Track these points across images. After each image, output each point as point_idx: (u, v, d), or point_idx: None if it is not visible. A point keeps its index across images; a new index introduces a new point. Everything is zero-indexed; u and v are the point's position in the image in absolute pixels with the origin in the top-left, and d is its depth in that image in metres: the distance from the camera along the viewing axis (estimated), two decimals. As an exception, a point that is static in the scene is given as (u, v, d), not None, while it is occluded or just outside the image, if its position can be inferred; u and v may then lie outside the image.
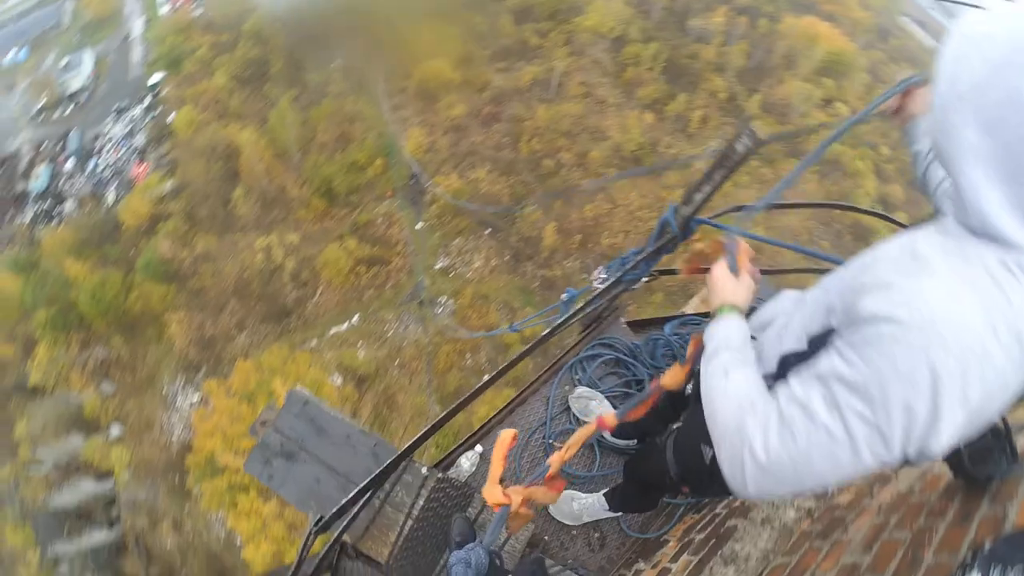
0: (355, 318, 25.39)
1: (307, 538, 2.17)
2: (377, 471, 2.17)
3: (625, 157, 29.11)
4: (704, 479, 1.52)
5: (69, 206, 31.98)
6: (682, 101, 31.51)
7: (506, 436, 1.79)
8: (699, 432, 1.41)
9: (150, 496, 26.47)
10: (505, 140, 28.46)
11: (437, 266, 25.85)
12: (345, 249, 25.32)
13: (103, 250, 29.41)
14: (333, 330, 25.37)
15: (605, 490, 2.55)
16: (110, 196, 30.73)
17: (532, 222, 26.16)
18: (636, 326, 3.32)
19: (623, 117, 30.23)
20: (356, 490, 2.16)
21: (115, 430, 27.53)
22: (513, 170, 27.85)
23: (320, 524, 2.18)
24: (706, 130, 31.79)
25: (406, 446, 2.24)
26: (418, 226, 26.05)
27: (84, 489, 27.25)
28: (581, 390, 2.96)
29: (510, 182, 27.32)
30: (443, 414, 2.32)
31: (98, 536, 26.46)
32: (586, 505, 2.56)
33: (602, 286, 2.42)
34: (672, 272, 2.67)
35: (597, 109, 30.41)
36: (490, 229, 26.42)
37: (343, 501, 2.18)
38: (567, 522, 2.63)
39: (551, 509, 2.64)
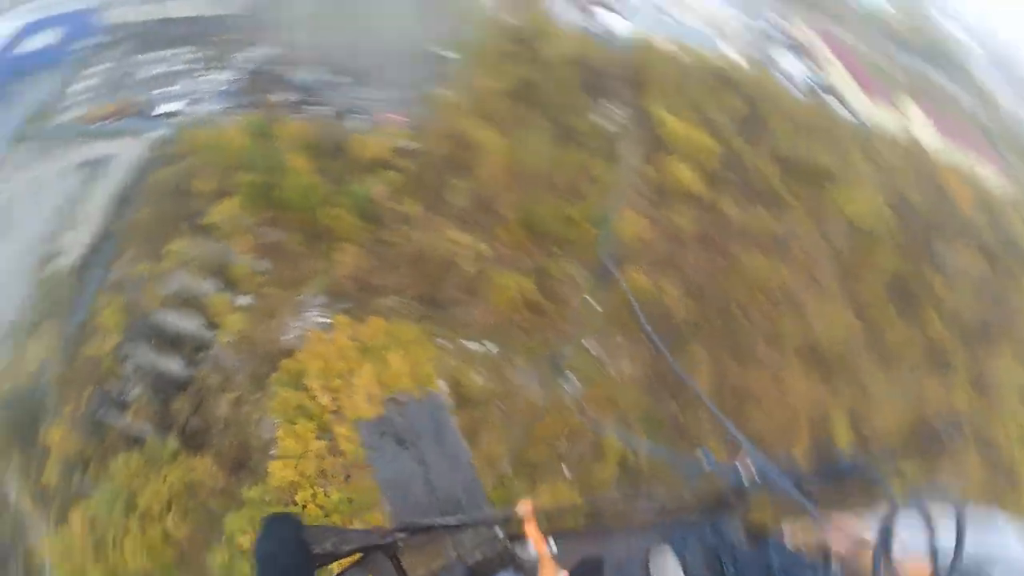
0: (491, 346, 25.85)
1: (392, 532, 2.27)
2: (473, 520, 2.32)
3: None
4: None
5: (321, 110, 35.76)
6: (892, 323, 29.80)
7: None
8: None
9: (233, 367, 27.71)
10: (710, 270, 28.15)
11: (587, 346, 25.81)
12: (519, 283, 25.99)
13: (326, 162, 31.98)
14: (467, 343, 25.99)
15: None
16: (358, 123, 33.94)
17: (694, 359, 25.45)
18: (755, 531, 2.93)
19: (831, 309, 28.95)
20: (442, 523, 2.14)
21: (244, 300, 29.26)
22: (701, 299, 27.41)
23: (403, 529, 2.31)
24: (902, 366, 29.52)
25: (503, 518, 2.27)
26: (591, 300, 26.27)
27: (187, 324, 29.03)
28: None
29: (695, 309, 26.89)
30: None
31: (172, 365, 28.03)
32: None
33: (744, 477, 2.39)
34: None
35: (810, 288, 29.29)
36: (652, 342, 26.03)
37: (427, 524, 2.39)
38: None
39: None
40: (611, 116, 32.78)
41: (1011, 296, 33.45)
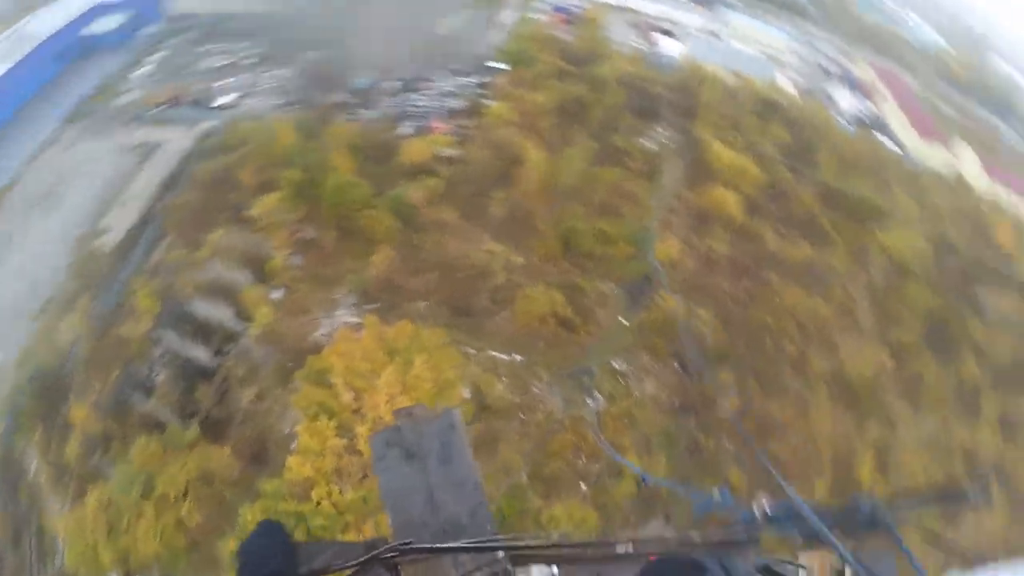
0: (517, 356, 25.74)
1: (380, 550, 2.24)
2: (473, 544, 2.26)
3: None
4: None
5: (369, 114, 36.44)
6: (927, 363, 29.20)
7: None
8: None
9: (260, 359, 27.83)
10: (744, 297, 27.71)
11: (613, 364, 25.53)
12: (550, 297, 25.88)
13: (368, 164, 32.46)
14: (493, 352, 25.92)
15: None
16: (404, 128, 34.52)
17: (720, 384, 24.97)
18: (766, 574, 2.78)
19: (863, 345, 28.39)
20: (441, 548, 2.23)
21: (277, 294, 29.61)
22: (732, 325, 26.94)
23: (397, 549, 2.22)
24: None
25: (499, 549, 2.26)
26: (622, 321, 26.03)
27: (219, 313, 29.50)
28: None
29: (725, 335, 26.43)
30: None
31: (200, 353, 28.40)
32: None
33: (758, 516, 2.33)
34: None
35: (844, 323, 28.86)
36: (679, 365, 25.66)
37: (427, 547, 2.24)
38: None
39: None
40: (657, 138, 32.73)
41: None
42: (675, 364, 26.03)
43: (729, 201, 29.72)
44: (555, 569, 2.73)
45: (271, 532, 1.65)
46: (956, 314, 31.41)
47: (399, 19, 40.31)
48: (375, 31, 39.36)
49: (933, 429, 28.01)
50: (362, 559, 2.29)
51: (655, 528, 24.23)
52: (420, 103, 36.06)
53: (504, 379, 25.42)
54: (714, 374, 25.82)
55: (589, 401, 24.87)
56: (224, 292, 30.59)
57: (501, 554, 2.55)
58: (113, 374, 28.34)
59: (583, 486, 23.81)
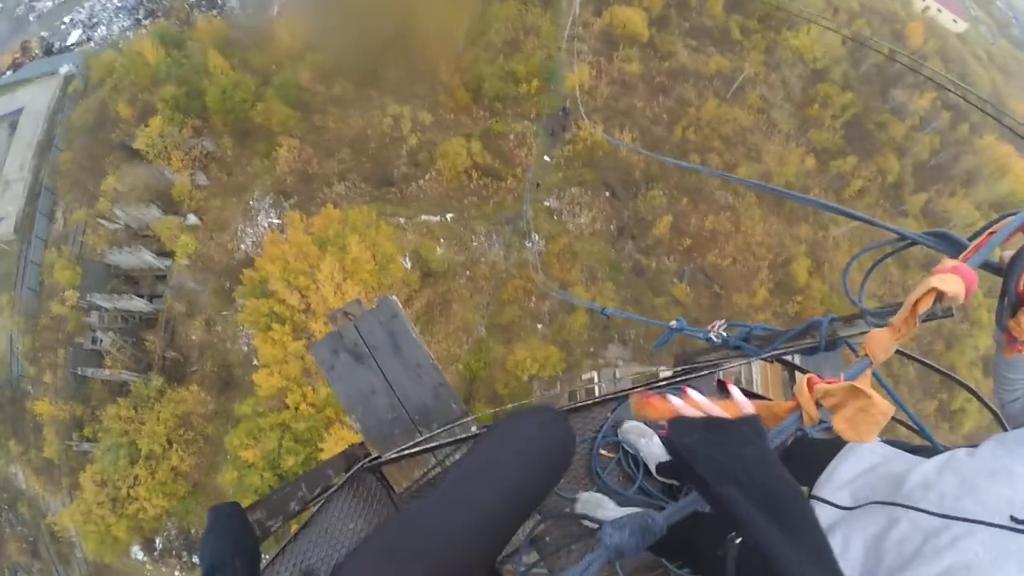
0: (449, 216, 25.11)
1: (357, 465, 2.18)
2: (445, 441, 2.25)
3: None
4: None
5: (233, 2, 32.72)
6: (850, 163, 29.44)
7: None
8: None
9: (197, 288, 26.95)
10: (663, 116, 27.30)
11: (545, 203, 25.19)
12: (469, 149, 24.85)
13: (247, 55, 29.74)
14: (424, 217, 25.20)
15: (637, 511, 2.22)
16: (274, 7, 31.22)
17: (652, 206, 25.10)
18: (725, 389, 2.96)
19: (786, 150, 28.55)
20: (417, 445, 2.22)
21: (192, 219, 28.01)
22: (657, 149, 26.69)
23: (373, 463, 2.20)
24: (858, 203, 29.69)
25: (474, 431, 2.21)
26: (546, 159, 25.40)
27: (142, 258, 27.89)
28: (630, 424, 2.76)
29: (649, 159, 26.23)
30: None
31: (136, 304, 27.11)
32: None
33: (717, 341, 2.34)
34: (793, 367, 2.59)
35: (765, 129, 28.81)
36: (610, 193, 25.54)
37: (402, 451, 2.19)
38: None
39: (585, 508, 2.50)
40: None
41: (969, 144, 33.16)
42: (605, 192, 25.89)
43: (635, 18, 28.47)
44: None
45: (219, 522, 1.49)
46: (873, 114, 31.88)
47: None
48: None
49: (861, 225, 29.22)
50: (342, 481, 2.24)
51: (615, 351, 25.23)
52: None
53: (442, 240, 24.95)
54: (646, 196, 25.82)
55: (529, 244, 24.72)
56: (138, 234, 28.81)
57: (475, 428, 2.49)
58: (59, 356, 27.13)
59: (540, 326, 24.21)
